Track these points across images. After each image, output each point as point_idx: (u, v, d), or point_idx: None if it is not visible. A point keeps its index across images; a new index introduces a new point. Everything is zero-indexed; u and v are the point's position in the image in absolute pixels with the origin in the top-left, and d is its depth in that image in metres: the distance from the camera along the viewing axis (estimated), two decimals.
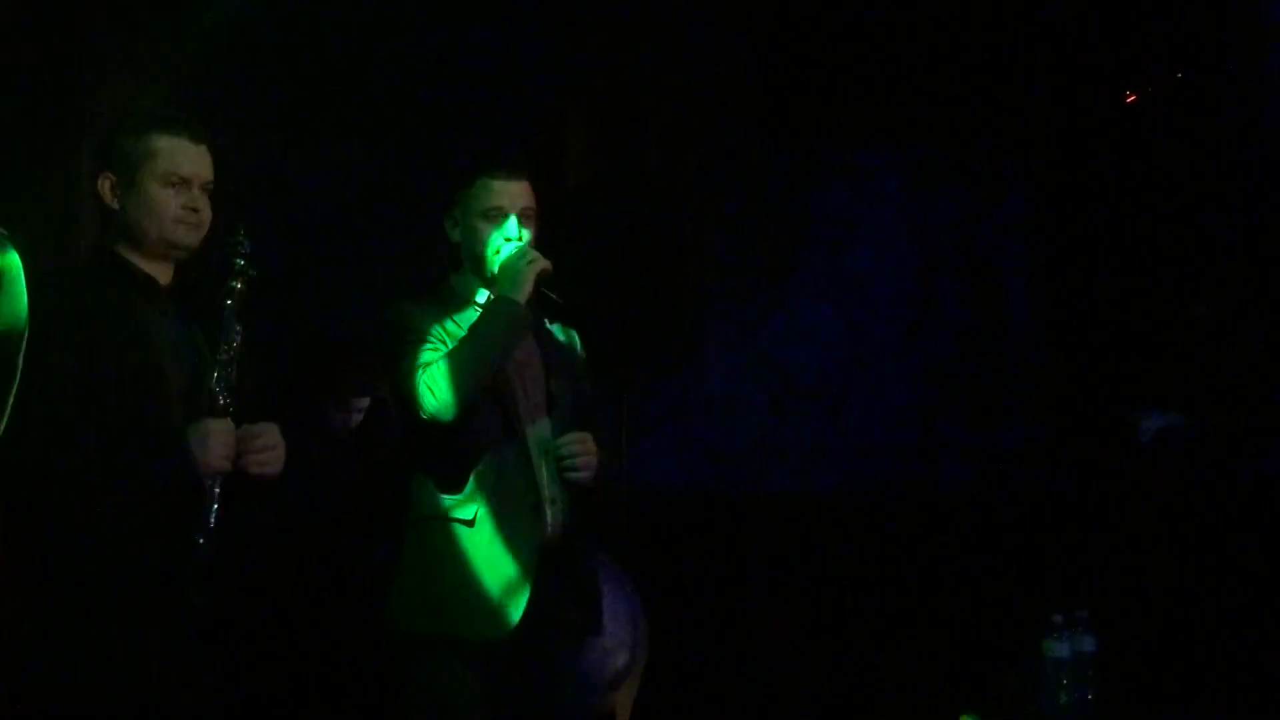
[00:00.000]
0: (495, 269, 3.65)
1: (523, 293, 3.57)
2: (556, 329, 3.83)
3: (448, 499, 3.59)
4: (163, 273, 3.07)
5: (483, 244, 3.67)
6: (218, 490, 2.91)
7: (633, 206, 6.41)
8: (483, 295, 3.70)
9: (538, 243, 3.70)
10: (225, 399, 2.94)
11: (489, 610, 3.55)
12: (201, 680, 2.96)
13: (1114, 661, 4.24)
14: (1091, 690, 4.18)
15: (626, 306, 6.11)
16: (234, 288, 3.01)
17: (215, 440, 2.89)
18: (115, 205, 3.04)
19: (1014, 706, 4.28)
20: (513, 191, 3.68)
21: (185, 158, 3.03)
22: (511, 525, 3.60)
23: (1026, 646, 4.28)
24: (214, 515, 2.90)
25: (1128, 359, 5.55)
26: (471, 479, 3.60)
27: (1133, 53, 5.77)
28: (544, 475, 3.66)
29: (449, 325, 3.64)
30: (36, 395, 2.71)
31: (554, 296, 3.61)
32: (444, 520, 3.59)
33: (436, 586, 3.58)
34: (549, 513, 3.65)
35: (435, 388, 3.50)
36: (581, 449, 3.68)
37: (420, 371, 3.52)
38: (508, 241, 3.65)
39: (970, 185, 7.68)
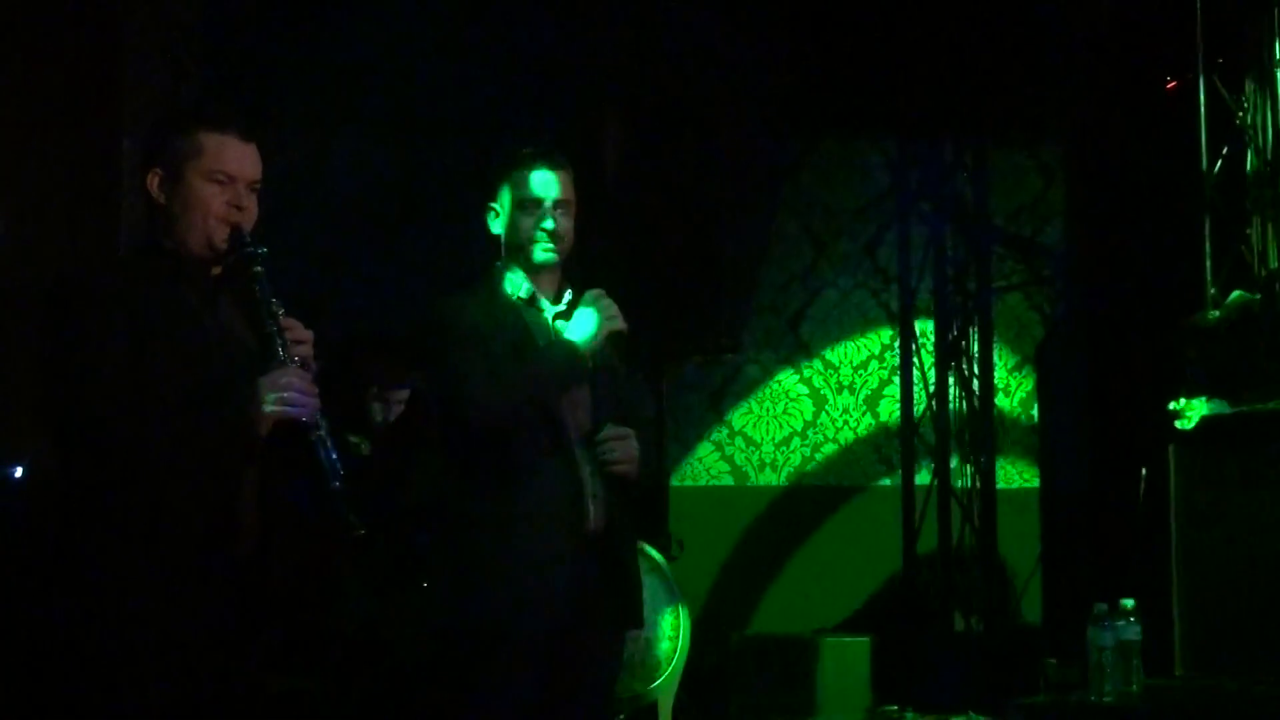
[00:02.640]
0: (536, 259, 3.66)
1: (591, 346, 3.59)
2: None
3: (488, 494, 3.59)
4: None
5: (523, 236, 3.67)
6: (328, 437, 2.95)
7: (670, 198, 6.40)
8: (523, 288, 3.70)
9: (576, 234, 3.71)
10: (282, 356, 2.96)
11: (529, 605, 3.54)
12: (244, 648, 2.98)
13: (1159, 650, 4.23)
14: (1136, 679, 4.16)
15: (665, 299, 6.10)
16: (256, 273, 3.01)
17: (265, 387, 2.90)
18: (161, 200, 3.04)
19: (1059, 695, 4.27)
20: (552, 184, 3.68)
21: (232, 155, 3.03)
22: (552, 520, 3.58)
23: (1072, 635, 4.27)
24: (333, 455, 2.95)
25: (1171, 347, 5.52)
26: (512, 474, 3.59)
27: (1174, 39, 5.73)
28: (585, 469, 3.65)
29: (490, 320, 3.63)
30: (94, 369, 2.75)
31: (618, 362, 3.69)
32: (484, 515, 3.59)
33: (477, 582, 3.57)
34: (590, 507, 3.63)
35: (479, 398, 3.51)
36: (622, 443, 3.66)
37: (467, 380, 3.53)
38: (595, 295, 3.65)
39: (1009, 176, 7.66)
